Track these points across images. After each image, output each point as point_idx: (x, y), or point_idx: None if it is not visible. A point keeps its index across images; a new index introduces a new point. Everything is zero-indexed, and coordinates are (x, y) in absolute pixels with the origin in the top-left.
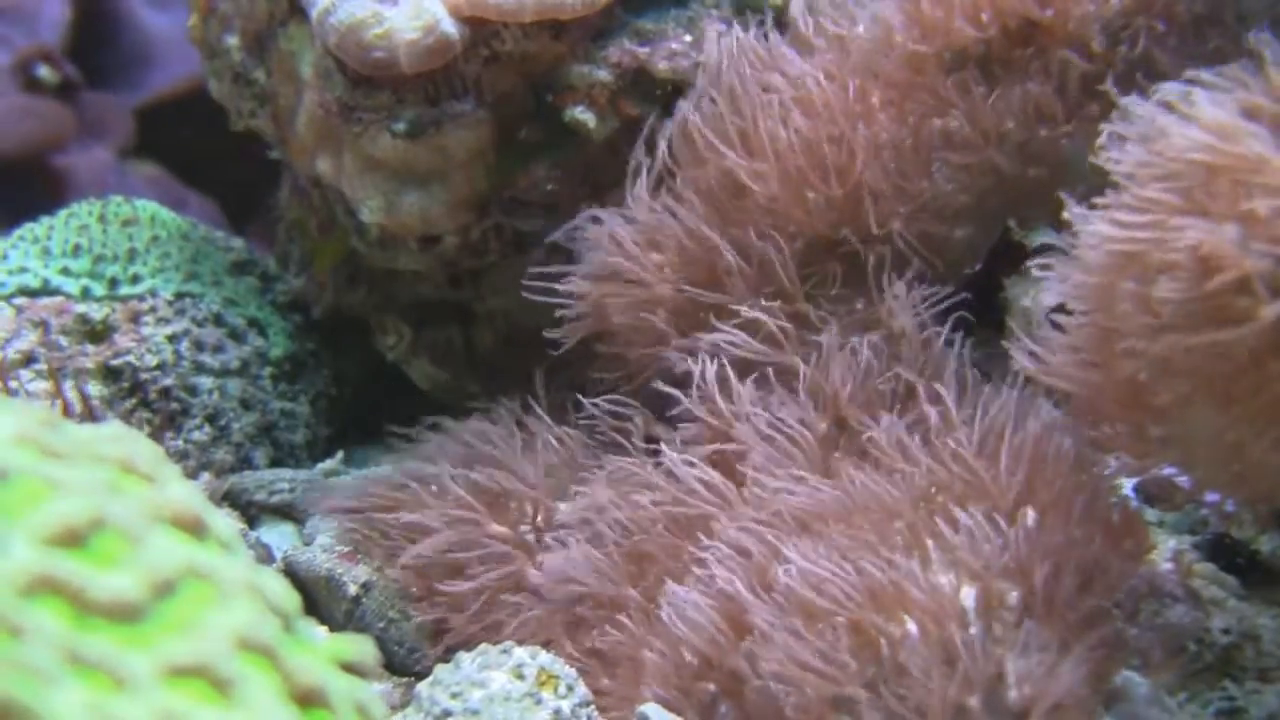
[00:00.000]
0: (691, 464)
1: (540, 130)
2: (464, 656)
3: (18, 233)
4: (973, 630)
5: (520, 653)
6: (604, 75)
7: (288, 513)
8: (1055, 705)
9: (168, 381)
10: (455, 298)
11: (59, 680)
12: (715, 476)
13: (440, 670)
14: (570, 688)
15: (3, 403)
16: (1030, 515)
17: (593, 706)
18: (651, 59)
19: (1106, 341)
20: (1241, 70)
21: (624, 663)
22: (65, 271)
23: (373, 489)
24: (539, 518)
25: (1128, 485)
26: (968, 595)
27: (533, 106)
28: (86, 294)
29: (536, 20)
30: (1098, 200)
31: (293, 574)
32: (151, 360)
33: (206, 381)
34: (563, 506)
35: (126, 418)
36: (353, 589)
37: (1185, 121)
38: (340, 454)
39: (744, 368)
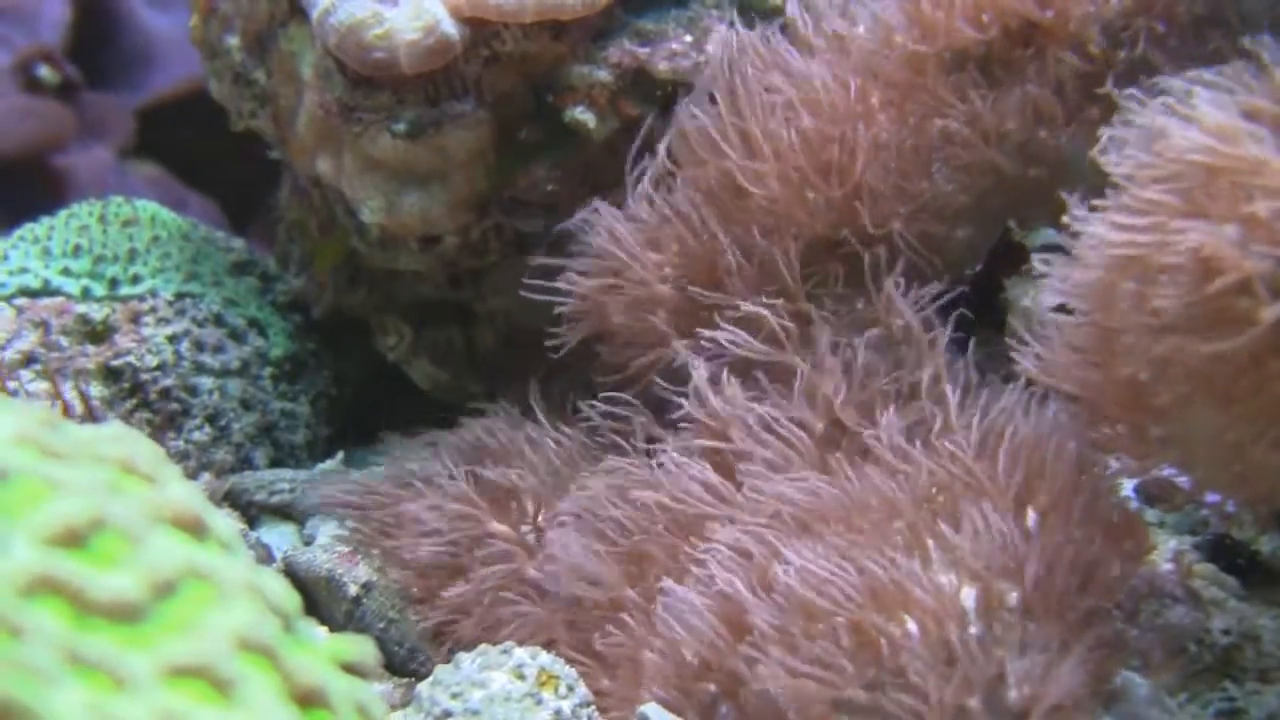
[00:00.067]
0: (691, 465)
1: (540, 130)
2: (464, 657)
3: (18, 233)
4: (973, 630)
5: (521, 653)
6: (604, 75)
7: (288, 513)
8: (1055, 706)
9: (168, 382)
10: (456, 298)
11: (59, 680)
12: (714, 478)
13: (440, 670)
14: (571, 688)
15: (3, 403)
16: (1031, 516)
17: (593, 707)
18: (652, 59)
19: (1107, 342)
20: (1243, 71)
21: (624, 663)
22: (66, 272)
23: (373, 486)
24: (540, 518)
25: (1128, 486)
26: (968, 595)
27: (533, 107)
28: (87, 294)
29: (537, 21)
30: (1097, 203)
31: (293, 574)
32: (152, 360)
33: (207, 382)
34: (563, 507)
35: (127, 418)
36: (353, 589)
37: (1185, 123)
38: (340, 454)
39: (745, 367)
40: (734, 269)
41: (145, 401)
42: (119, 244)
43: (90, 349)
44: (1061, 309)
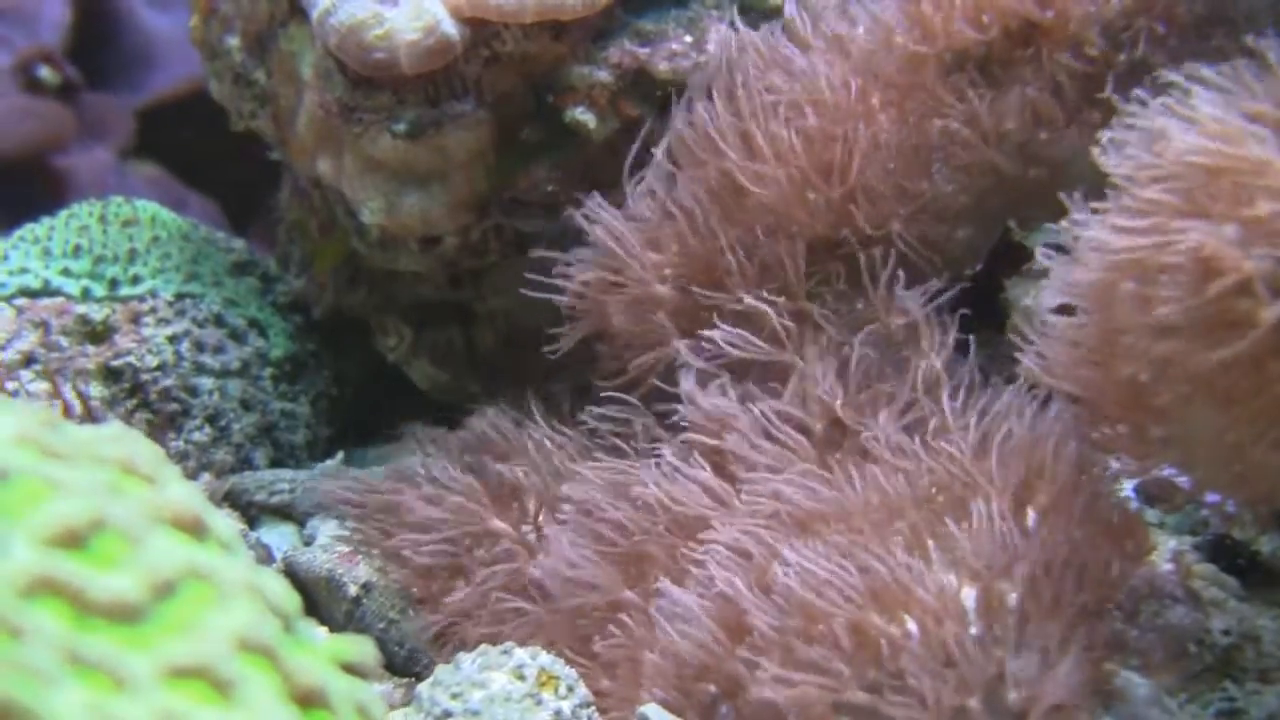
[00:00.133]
0: (690, 466)
1: (540, 131)
2: (464, 657)
3: (18, 233)
4: (973, 631)
5: (521, 653)
6: (604, 76)
7: (288, 513)
8: (1055, 706)
9: (168, 382)
10: (456, 298)
11: (59, 681)
12: (712, 479)
13: (441, 671)
14: (571, 688)
15: (3, 403)
16: (1031, 515)
17: (593, 707)
18: (652, 60)
19: (1107, 342)
20: (1244, 71)
21: (624, 663)
22: (66, 272)
23: (374, 485)
24: (540, 518)
25: (1128, 486)
26: (968, 596)
27: (533, 107)
28: (87, 295)
29: (537, 21)
30: (1097, 205)
31: (293, 574)
32: (152, 361)
33: (207, 382)
34: (563, 507)
35: (127, 418)
36: (353, 589)
37: (1186, 124)
38: (340, 454)
39: (745, 367)
40: (734, 268)
41: (145, 402)
42: (119, 244)
43: (90, 349)
44: (1062, 309)
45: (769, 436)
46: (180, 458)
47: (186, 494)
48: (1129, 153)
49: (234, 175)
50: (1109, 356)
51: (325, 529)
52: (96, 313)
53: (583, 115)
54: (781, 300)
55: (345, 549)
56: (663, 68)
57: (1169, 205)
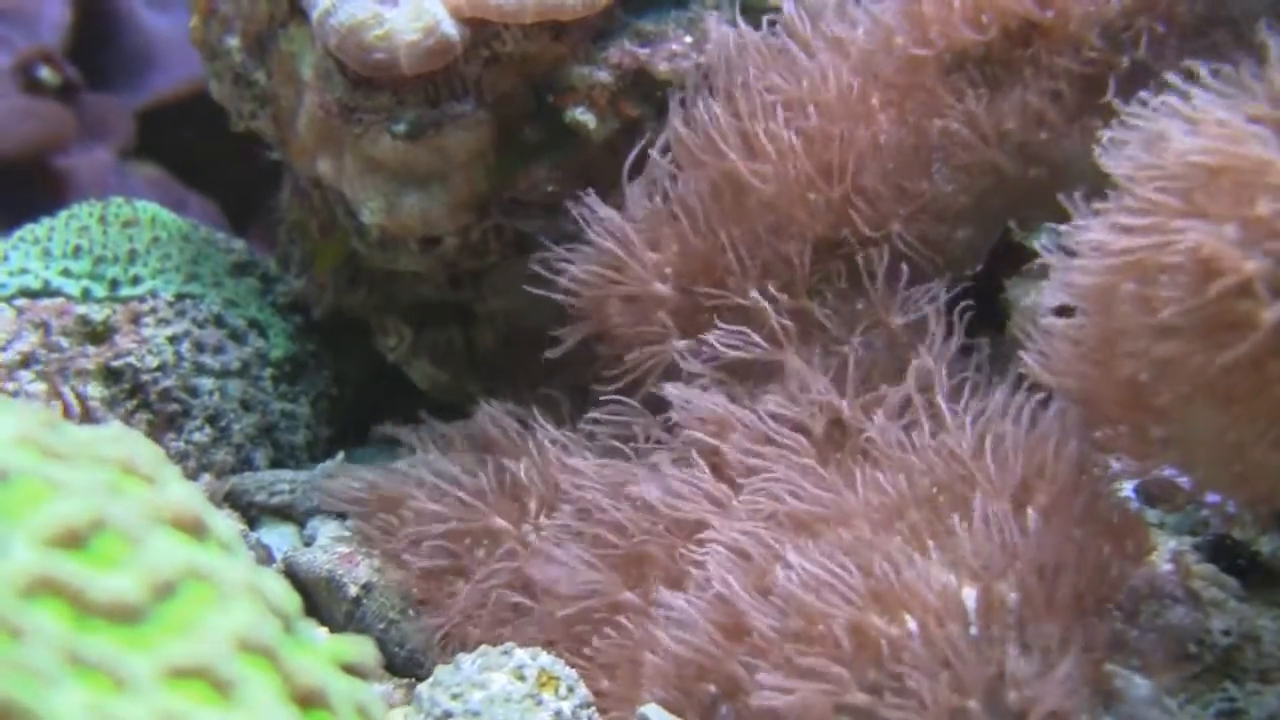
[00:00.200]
0: (690, 467)
1: (540, 131)
2: (464, 657)
3: (18, 234)
4: (973, 631)
5: (521, 654)
6: (604, 76)
7: (288, 514)
8: (1055, 706)
9: (168, 383)
10: (456, 298)
11: (59, 681)
12: (712, 479)
13: (441, 671)
14: (571, 689)
15: (3, 404)
16: (1031, 516)
17: (593, 708)
18: (652, 60)
19: (1107, 342)
20: (1244, 71)
21: (624, 664)
22: (66, 273)
23: (376, 481)
24: (541, 517)
25: (1128, 486)
26: (968, 596)
27: (533, 107)
28: (87, 295)
29: (537, 21)
30: (1098, 205)
31: (293, 575)
32: (152, 361)
33: (207, 383)
34: (564, 507)
35: (127, 419)
36: (353, 590)
37: (1186, 124)
38: (341, 455)
39: (745, 367)
40: (735, 267)
41: (145, 402)
42: (119, 245)
43: (90, 350)
44: (1062, 309)
45: (768, 437)
46: (180, 458)
47: (186, 494)
48: (1129, 153)
49: (234, 176)
50: (1109, 356)
51: (325, 529)
52: (97, 313)
53: (583, 115)
54: (783, 298)
55: (345, 549)
56: (663, 68)
57: (1168, 205)
